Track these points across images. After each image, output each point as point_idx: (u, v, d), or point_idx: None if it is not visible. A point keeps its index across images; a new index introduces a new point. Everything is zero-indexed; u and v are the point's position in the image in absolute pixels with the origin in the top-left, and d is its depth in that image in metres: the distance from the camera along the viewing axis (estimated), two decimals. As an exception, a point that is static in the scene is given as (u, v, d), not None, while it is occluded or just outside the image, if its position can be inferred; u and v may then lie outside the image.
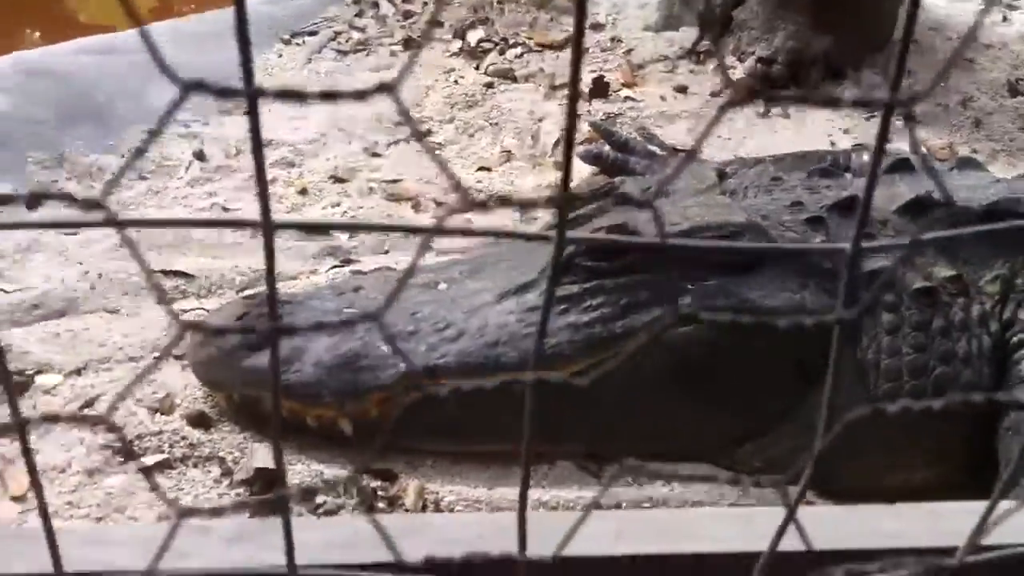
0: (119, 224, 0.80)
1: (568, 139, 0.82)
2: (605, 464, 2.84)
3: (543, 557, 1.02)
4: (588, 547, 1.10)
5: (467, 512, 1.15)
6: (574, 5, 0.75)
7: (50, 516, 0.95)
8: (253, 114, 0.75)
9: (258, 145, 0.73)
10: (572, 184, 3.42)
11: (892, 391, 2.75)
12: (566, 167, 0.85)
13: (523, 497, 0.99)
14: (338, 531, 1.10)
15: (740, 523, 1.15)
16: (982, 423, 2.75)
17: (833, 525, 0.96)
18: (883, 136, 0.86)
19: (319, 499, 2.56)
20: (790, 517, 1.06)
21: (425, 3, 5.95)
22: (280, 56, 5.36)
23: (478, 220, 4.00)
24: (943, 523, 1.13)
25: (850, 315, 0.81)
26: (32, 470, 0.95)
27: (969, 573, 1.06)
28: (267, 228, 0.74)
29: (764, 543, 1.08)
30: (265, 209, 0.74)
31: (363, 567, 0.97)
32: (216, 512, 0.67)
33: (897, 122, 5.07)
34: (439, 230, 0.86)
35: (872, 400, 2.75)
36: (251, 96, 0.73)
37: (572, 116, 0.80)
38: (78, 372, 2.97)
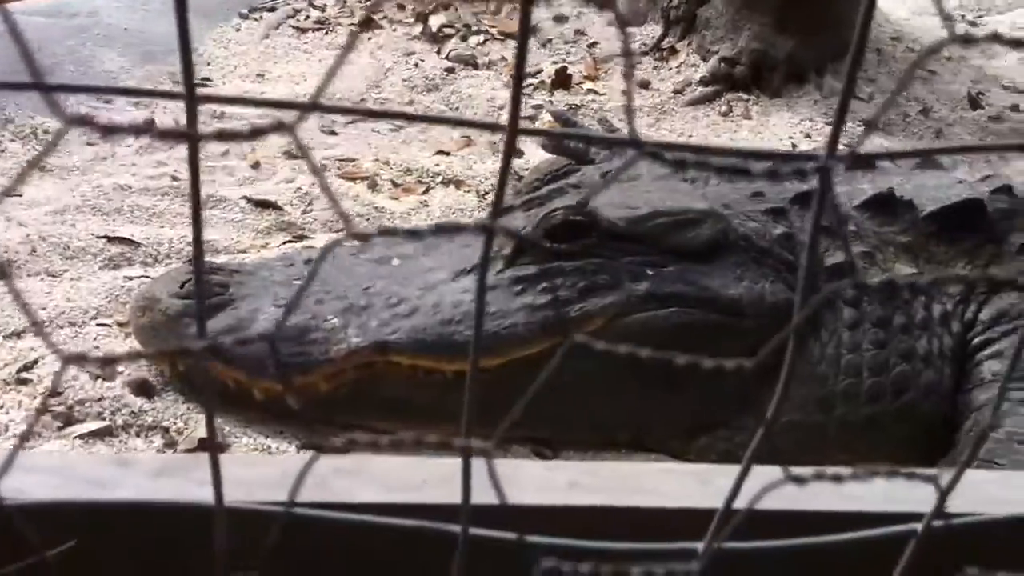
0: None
1: (511, 135, 0.76)
2: (560, 450, 2.78)
3: (489, 503, 0.95)
4: (539, 497, 1.04)
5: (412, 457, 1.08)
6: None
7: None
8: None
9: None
10: (530, 166, 3.36)
11: (851, 387, 2.71)
12: (505, 161, 0.79)
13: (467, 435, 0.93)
14: (266, 469, 1.03)
15: (698, 480, 1.10)
16: (941, 427, 2.73)
17: (792, 486, 0.91)
18: (836, 133, 0.82)
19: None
20: (744, 473, 1.01)
21: (387, -15, 5.89)
22: (238, 30, 5.28)
23: (434, 200, 3.94)
24: (909, 488, 1.09)
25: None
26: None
27: (936, 539, 1.01)
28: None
29: (721, 501, 1.02)
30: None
31: (292, 504, 0.91)
32: (105, 361, 0.60)
33: (858, 128, 5.09)
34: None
35: (829, 395, 2.72)
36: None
37: (515, 116, 0.74)
38: (17, 335, 2.86)
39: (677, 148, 1.06)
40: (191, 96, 0.68)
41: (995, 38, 0.64)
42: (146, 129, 0.63)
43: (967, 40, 0.63)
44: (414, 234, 0.67)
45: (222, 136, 0.62)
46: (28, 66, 0.61)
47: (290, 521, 0.99)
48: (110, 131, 0.59)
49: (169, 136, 0.64)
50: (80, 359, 0.65)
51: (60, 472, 0.98)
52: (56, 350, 0.64)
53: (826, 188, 0.90)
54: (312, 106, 0.72)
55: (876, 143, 4.99)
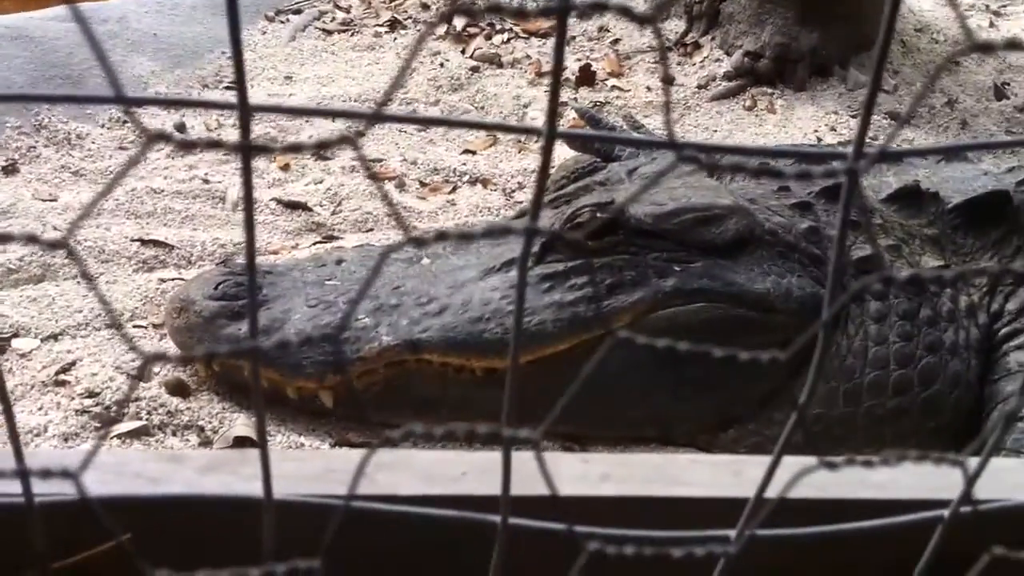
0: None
1: (548, 136, 0.79)
2: (588, 445, 2.81)
3: (527, 494, 0.99)
4: (573, 488, 1.07)
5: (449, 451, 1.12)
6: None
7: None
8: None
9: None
10: (556, 163, 3.39)
11: (878, 380, 2.73)
12: (543, 165, 0.83)
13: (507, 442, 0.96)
14: (312, 464, 1.07)
15: (729, 471, 1.13)
16: (967, 419, 2.75)
17: (822, 474, 0.94)
18: (865, 122, 0.84)
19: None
20: (776, 462, 1.04)
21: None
22: (264, 33, 5.33)
23: (461, 199, 3.98)
24: (934, 476, 1.11)
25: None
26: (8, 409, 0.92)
27: (962, 526, 1.04)
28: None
29: (752, 490, 1.05)
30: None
31: (340, 497, 0.94)
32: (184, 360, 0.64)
33: (883, 120, 5.09)
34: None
35: (856, 388, 2.74)
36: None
37: (553, 115, 0.77)
38: (55, 337, 2.92)
39: (713, 149, 1.09)
40: (244, 107, 0.71)
41: (1012, 45, 0.66)
42: (215, 143, 0.66)
43: (987, 48, 0.65)
44: (466, 237, 0.70)
45: (286, 149, 0.66)
46: (111, 81, 0.65)
47: (332, 514, 1.03)
48: (186, 146, 0.63)
49: (225, 148, 0.68)
50: (160, 358, 0.69)
51: (114, 468, 1.02)
52: (135, 347, 0.68)
53: (853, 189, 0.93)
54: (376, 116, 0.75)
55: (901, 135, 4.99)
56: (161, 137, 0.62)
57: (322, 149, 0.65)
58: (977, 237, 2.95)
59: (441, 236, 0.70)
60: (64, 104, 4.19)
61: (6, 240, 0.64)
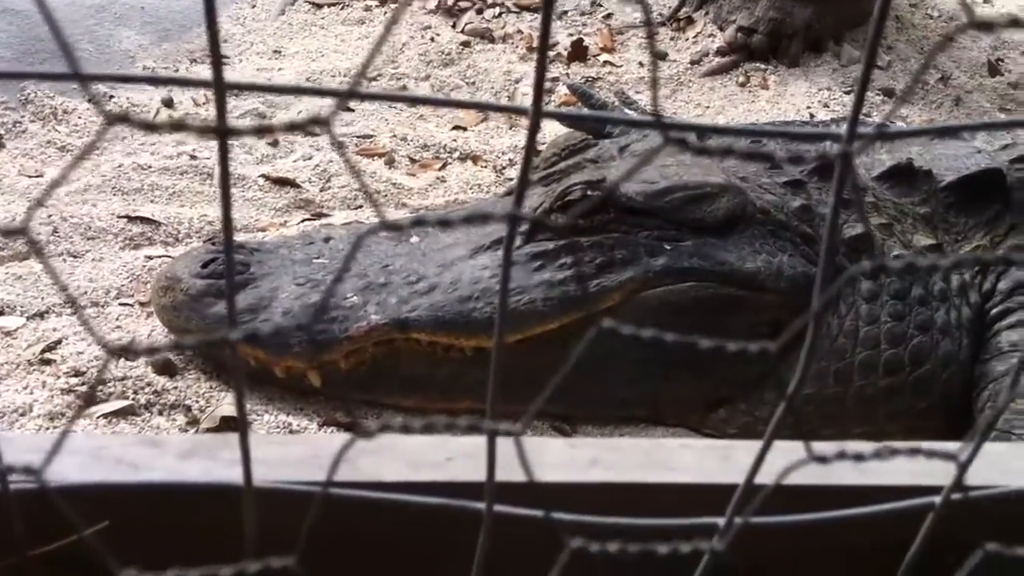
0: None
1: (534, 121, 0.77)
2: (578, 426, 2.80)
3: (512, 480, 0.97)
4: (559, 474, 1.06)
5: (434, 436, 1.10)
6: None
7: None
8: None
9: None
10: (547, 140, 3.35)
11: (870, 359, 2.72)
12: (528, 145, 0.81)
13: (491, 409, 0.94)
14: (294, 449, 1.05)
15: (719, 456, 1.11)
16: (958, 398, 2.74)
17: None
18: (858, 105, 0.82)
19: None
20: (766, 448, 1.02)
21: (403, -39, 5.87)
22: (253, 7, 5.27)
23: (451, 176, 3.95)
24: (926, 461, 1.10)
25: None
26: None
27: (954, 511, 1.02)
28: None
29: (741, 476, 1.04)
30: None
31: (320, 484, 0.92)
32: (147, 350, 0.62)
33: (876, 96, 5.06)
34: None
35: (847, 368, 2.73)
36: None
37: (539, 95, 0.75)
38: (40, 315, 2.89)
39: (702, 129, 1.07)
40: (220, 85, 0.68)
41: (1015, 23, 0.64)
42: (181, 126, 0.64)
43: (985, 25, 0.63)
44: (446, 223, 0.68)
45: (257, 131, 0.63)
46: (66, 57, 0.63)
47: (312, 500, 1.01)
48: (149, 127, 0.60)
49: (200, 131, 0.65)
50: (125, 351, 0.67)
51: (93, 453, 1.00)
52: (101, 341, 0.66)
53: (847, 171, 0.90)
54: (349, 94, 0.73)
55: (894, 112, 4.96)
56: (121, 119, 0.60)
57: (295, 131, 0.62)
58: (970, 216, 2.94)
59: (418, 222, 0.68)
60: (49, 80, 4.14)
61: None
